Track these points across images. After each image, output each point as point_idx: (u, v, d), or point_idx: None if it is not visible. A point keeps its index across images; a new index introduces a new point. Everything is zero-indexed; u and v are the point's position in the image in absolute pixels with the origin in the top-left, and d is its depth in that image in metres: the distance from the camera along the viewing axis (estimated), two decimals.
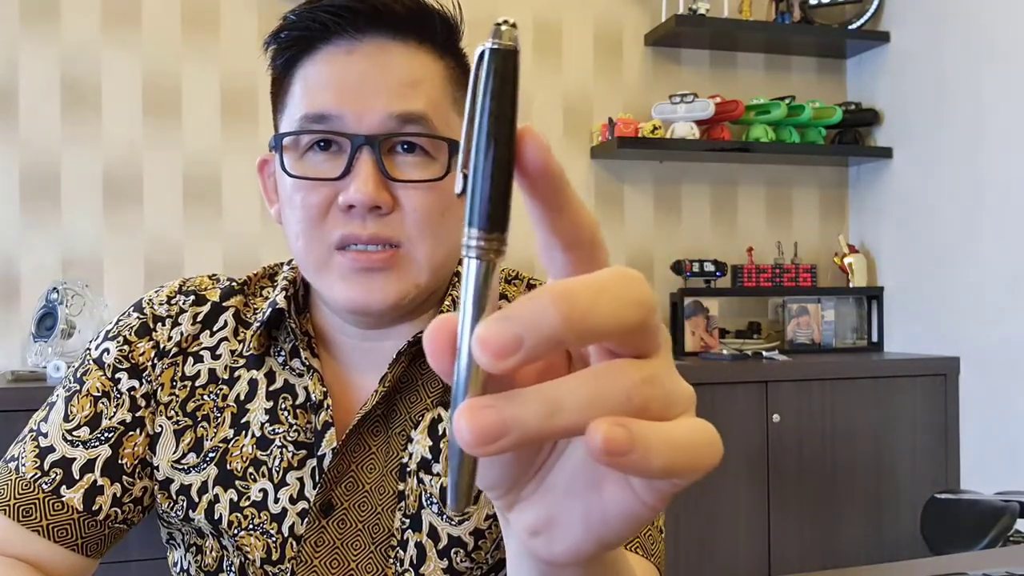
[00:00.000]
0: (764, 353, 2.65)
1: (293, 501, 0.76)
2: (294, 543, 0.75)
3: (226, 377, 0.80)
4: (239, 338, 0.81)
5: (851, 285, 2.93)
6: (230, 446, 0.77)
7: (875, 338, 2.93)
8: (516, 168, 0.29)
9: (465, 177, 0.30)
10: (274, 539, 0.75)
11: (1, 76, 2.34)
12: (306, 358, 0.78)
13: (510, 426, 0.28)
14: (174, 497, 0.78)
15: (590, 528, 0.32)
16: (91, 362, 0.79)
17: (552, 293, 0.28)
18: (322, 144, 0.72)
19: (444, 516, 0.75)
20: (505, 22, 0.29)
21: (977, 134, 2.56)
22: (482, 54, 0.29)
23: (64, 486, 0.74)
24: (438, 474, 0.76)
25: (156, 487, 0.79)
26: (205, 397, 0.79)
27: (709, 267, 2.74)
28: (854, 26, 2.91)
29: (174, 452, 0.78)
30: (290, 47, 0.74)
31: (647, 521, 0.32)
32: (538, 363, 0.31)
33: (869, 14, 2.90)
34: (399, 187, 0.72)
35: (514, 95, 0.29)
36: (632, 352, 0.30)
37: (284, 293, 0.79)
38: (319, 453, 0.76)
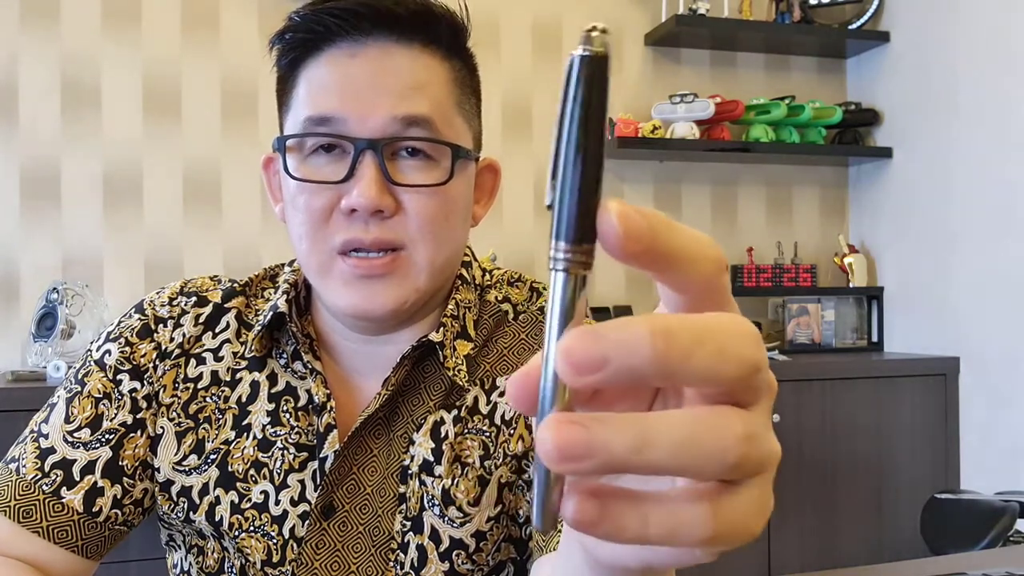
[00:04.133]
0: None
1: (294, 503, 0.76)
2: (295, 545, 0.75)
3: (228, 379, 0.80)
4: (241, 340, 0.81)
5: (851, 285, 2.92)
6: (231, 448, 0.77)
7: (875, 338, 2.93)
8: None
9: (554, 189, 0.29)
10: (275, 541, 0.75)
11: (1, 76, 2.34)
12: (308, 361, 0.78)
13: (596, 450, 0.26)
14: (175, 499, 0.78)
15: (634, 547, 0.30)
16: (92, 363, 0.79)
17: (652, 327, 0.26)
18: (326, 147, 0.72)
19: (445, 518, 0.75)
20: (595, 28, 0.28)
21: (977, 134, 2.56)
22: (572, 61, 0.28)
23: (65, 487, 0.74)
24: (439, 476, 0.76)
25: (157, 489, 0.79)
26: (207, 399, 0.79)
27: None
28: (854, 26, 2.91)
29: (175, 454, 0.78)
30: (295, 48, 0.74)
31: (693, 563, 0.30)
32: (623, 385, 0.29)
33: (869, 14, 2.90)
34: (402, 191, 0.72)
35: (603, 103, 0.28)
36: (728, 400, 0.28)
37: (285, 296, 0.79)
38: (321, 455, 0.76)
